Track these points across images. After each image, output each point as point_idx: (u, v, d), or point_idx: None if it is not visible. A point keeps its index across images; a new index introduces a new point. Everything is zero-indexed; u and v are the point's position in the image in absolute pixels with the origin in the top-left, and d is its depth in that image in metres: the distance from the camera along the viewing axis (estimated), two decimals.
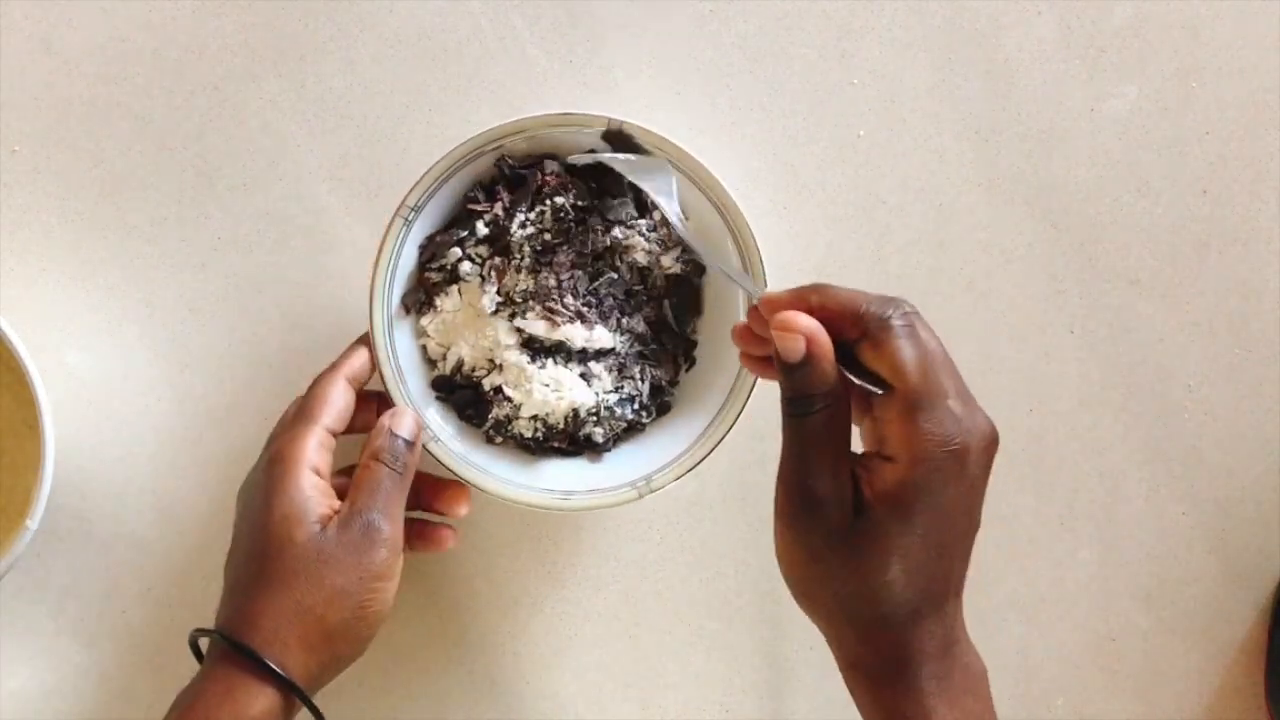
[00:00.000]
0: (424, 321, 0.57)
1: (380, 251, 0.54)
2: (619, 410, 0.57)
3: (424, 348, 0.57)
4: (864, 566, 0.42)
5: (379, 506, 0.50)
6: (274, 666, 0.47)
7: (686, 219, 0.54)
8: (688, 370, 0.59)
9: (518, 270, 0.55)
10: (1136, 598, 0.64)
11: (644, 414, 0.57)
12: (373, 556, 0.49)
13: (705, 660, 0.63)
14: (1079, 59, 0.63)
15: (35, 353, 0.55)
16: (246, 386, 0.62)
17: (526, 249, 0.55)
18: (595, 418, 0.56)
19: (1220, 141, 0.63)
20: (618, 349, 0.56)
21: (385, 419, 0.52)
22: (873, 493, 0.42)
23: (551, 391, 0.55)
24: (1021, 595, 0.64)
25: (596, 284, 0.56)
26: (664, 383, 0.58)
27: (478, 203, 0.56)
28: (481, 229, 0.56)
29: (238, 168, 0.62)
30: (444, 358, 0.57)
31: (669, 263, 0.57)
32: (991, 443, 0.43)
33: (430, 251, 0.56)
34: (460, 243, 0.56)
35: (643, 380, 0.57)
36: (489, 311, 0.55)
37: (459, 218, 0.57)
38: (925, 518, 0.42)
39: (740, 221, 0.54)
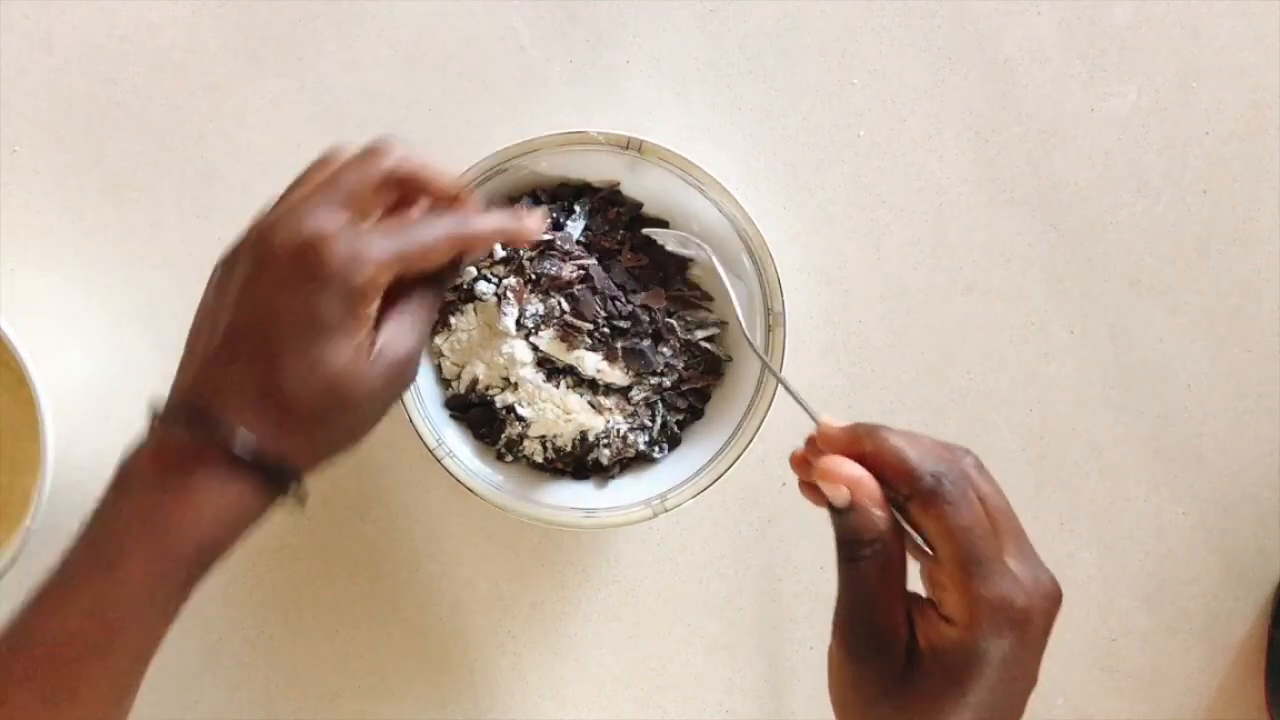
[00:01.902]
0: (438, 341, 0.57)
1: None
2: (631, 437, 0.57)
3: (439, 367, 0.57)
4: (912, 716, 0.41)
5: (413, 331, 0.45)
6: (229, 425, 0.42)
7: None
8: (699, 419, 0.59)
9: (531, 292, 0.56)
10: (1136, 598, 0.64)
11: (655, 449, 0.57)
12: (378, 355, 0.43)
13: (705, 660, 0.63)
14: (1079, 59, 0.63)
15: (35, 353, 0.55)
16: None
17: (533, 274, 0.55)
18: (605, 440, 0.56)
19: (1220, 141, 0.63)
20: (632, 393, 0.56)
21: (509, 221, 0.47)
22: (928, 647, 0.41)
23: (561, 413, 0.55)
24: None
25: (621, 334, 0.56)
26: (675, 424, 0.58)
27: None
28: (499, 250, 0.56)
29: (238, 168, 0.62)
30: (458, 377, 0.57)
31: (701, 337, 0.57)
32: (1055, 603, 0.42)
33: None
34: (476, 263, 0.56)
35: (654, 419, 0.57)
36: (511, 333, 0.55)
37: None
38: (981, 682, 0.40)
39: (766, 260, 0.55)
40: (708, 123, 0.63)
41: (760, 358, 0.52)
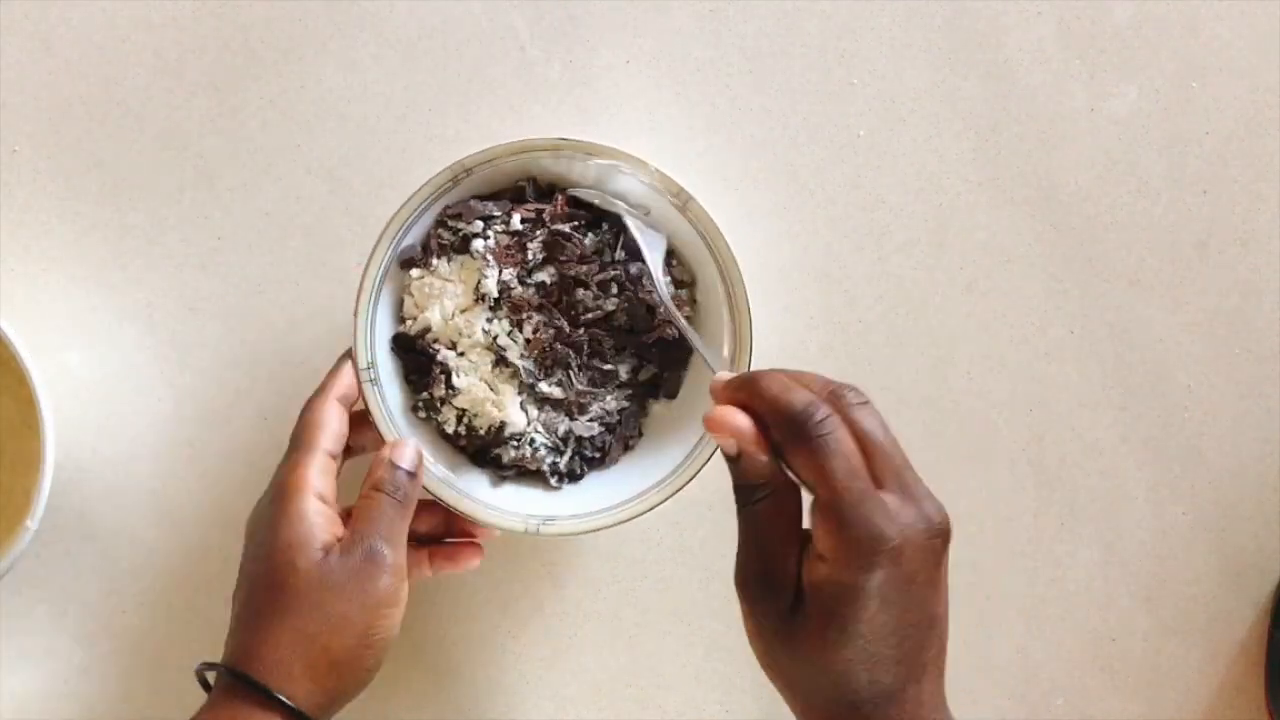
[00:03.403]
0: (413, 273, 0.56)
1: (418, 193, 0.53)
2: (541, 453, 0.56)
3: (401, 302, 0.57)
4: (807, 653, 0.42)
5: (381, 533, 0.50)
6: (276, 694, 0.47)
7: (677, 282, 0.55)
8: (611, 462, 0.58)
9: (527, 272, 0.55)
10: (1136, 598, 0.64)
11: (554, 478, 0.57)
12: (377, 583, 0.49)
13: (705, 660, 0.63)
14: (1079, 59, 0.63)
15: (35, 353, 0.55)
16: (246, 386, 0.62)
17: (538, 258, 0.55)
18: (516, 443, 0.56)
19: (1220, 141, 0.63)
20: (565, 402, 0.56)
21: (386, 451, 0.52)
22: (808, 585, 0.42)
23: (491, 396, 0.55)
24: (1021, 595, 0.64)
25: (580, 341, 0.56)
26: (582, 465, 0.58)
27: (525, 199, 0.56)
28: (517, 222, 0.55)
29: (238, 168, 0.62)
30: (415, 319, 0.56)
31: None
32: (936, 536, 0.41)
33: (458, 210, 0.55)
34: (488, 220, 0.55)
35: (565, 446, 0.57)
36: (493, 294, 0.55)
37: (498, 196, 0.56)
38: (861, 616, 0.41)
39: (739, 292, 0.54)
40: (708, 122, 0.63)
41: (670, 308, 0.52)
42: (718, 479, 0.62)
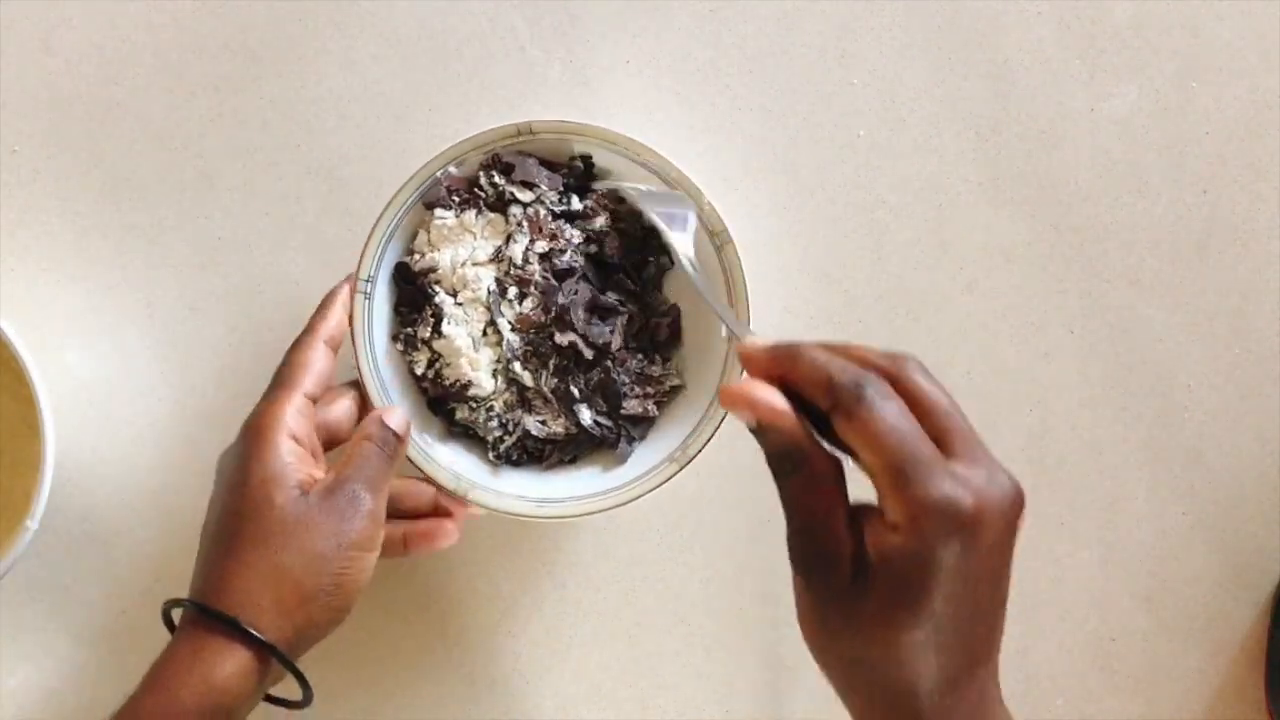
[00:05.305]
0: (438, 212, 0.56)
1: (465, 140, 0.54)
2: (490, 425, 0.56)
3: (415, 235, 0.57)
4: (871, 630, 0.39)
5: (364, 479, 0.49)
6: (244, 626, 0.46)
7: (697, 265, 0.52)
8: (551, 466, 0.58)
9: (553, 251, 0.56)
10: (1136, 598, 0.64)
11: (493, 454, 0.57)
12: (354, 524, 0.48)
13: (705, 660, 0.63)
14: (1079, 59, 0.63)
15: (35, 353, 0.55)
16: (246, 386, 0.62)
17: (573, 247, 0.56)
18: (474, 404, 0.56)
19: (1220, 141, 0.63)
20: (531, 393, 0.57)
21: (377, 411, 0.53)
22: (877, 556, 0.38)
23: (469, 354, 0.55)
24: (1021, 595, 0.63)
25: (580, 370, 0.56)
26: (523, 455, 0.58)
27: (580, 179, 0.57)
28: (576, 202, 0.56)
29: (238, 168, 0.62)
30: (423, 255, 0.56)
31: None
32: (1013, 504, 0.38)
33: (512, 162, 0.55)
34: (540, 193, 0.56)
35: (513, 431, 0.57)
36: (516, 259, 0.55)
37: (554, 168, 0.57)
38: (935, 591, 0.37)
39: (733, 260, 0.55)
40: (708, 123, 0.63)
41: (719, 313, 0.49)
42: (719, 478, 0.62)
